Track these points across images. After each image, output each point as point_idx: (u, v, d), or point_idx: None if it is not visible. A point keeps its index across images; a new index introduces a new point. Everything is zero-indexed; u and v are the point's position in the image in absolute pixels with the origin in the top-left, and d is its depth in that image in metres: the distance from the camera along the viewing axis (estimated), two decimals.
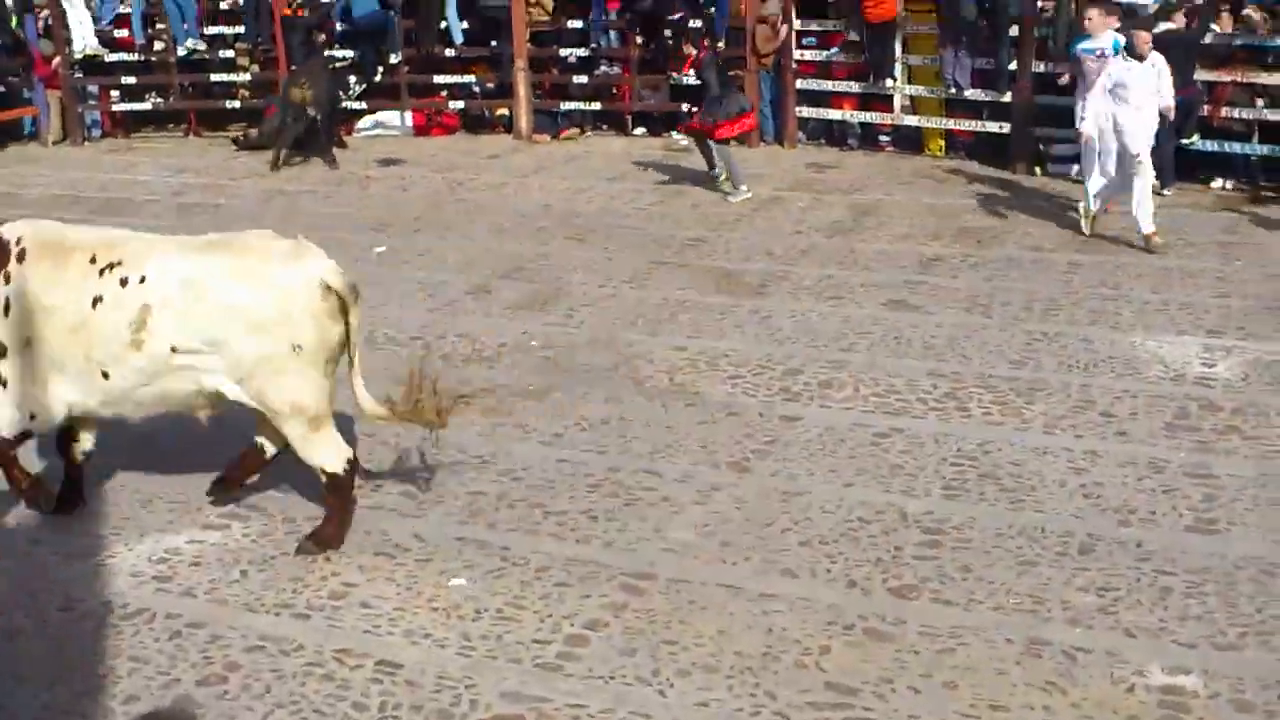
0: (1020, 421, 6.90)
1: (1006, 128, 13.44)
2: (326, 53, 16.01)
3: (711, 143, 12.64)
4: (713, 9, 15.10)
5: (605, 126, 16.61)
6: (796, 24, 14.91)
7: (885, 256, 10.35)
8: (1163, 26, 11.46)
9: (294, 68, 15.72)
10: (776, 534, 5.77)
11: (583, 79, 16.21)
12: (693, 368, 7.90)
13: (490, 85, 16.62)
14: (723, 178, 12.71)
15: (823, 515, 5.92)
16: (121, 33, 17.10)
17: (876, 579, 5.37)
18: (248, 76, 17.07)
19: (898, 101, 14.50)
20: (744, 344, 8.32)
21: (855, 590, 5.30)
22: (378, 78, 16.21)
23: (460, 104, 16.82)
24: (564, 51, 16.28)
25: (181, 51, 16.64)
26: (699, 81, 12.99)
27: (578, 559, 5.59)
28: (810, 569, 5.46)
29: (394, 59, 16.18)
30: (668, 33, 15.17)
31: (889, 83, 14.32)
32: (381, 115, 16.95)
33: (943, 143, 14.44)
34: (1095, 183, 10.48)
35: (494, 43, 15.96)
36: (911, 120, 14.45)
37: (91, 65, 17.07)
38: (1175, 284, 9.30)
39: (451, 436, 6.82)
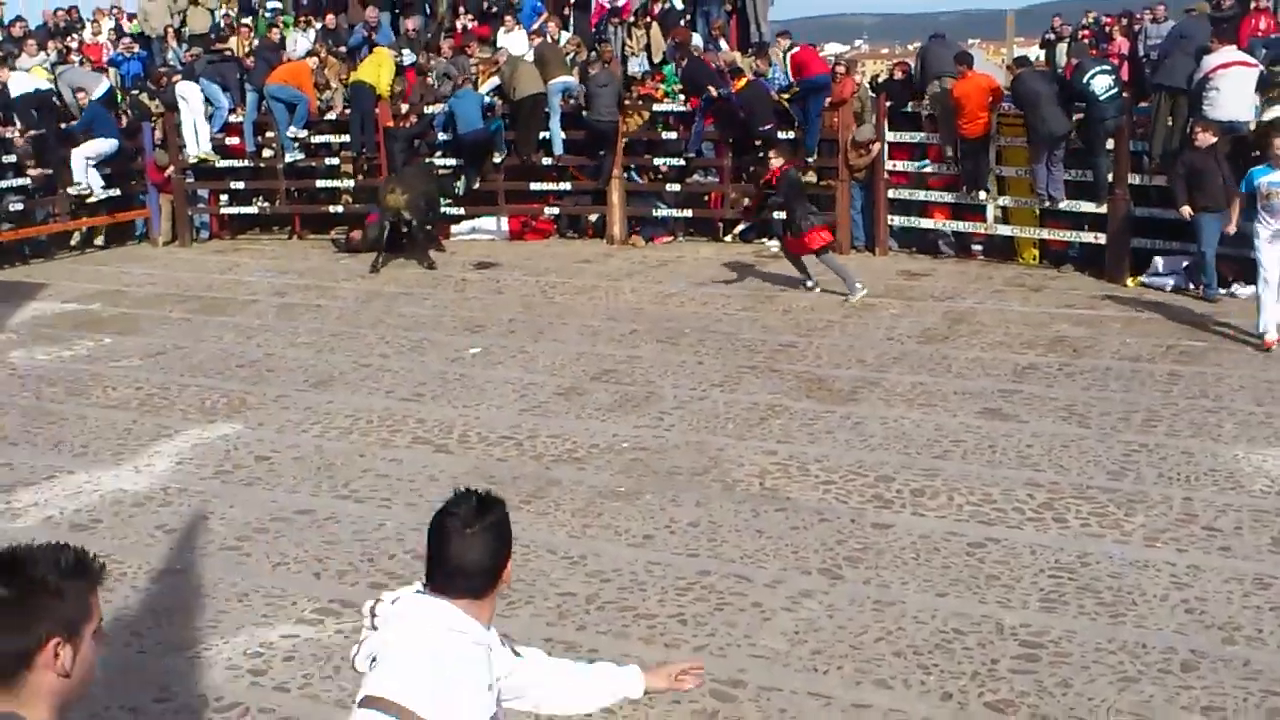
0: (1120, 534, 6.75)
1: (1102, 238, 13.38)
2: (428, 160, 16.52)
3: (813, 255, 12.95)
4: (802, 124, 15.34)
5: (695, 232, 16.84)
6: (890, 136, 15.04)
7: (979, 364, 10.27)
8: None
9: (390, 174, 16.22)
10: (869, 643, 5.67)
11: (676, 187, 16.47)
12: (783, 473, 7.86)
13: (586, 192, 16.95)
14: (815, 287, 13.08)
15: (916, 625, 5.81)
16: (232, 140, 17.77)
17: (973, 692, 5.24)
18: (351, 183, 17.60)
19: (990, 211, 14.50)
20: (835, 450, 8.27)
21: (951, 703, 5.17)
22: (477, 185, 16.64)
23: (555, 210, 17.16)
24: (659, 161, 16.58)
25: (289, 158, 17.24)
26: (774, 193, 13.30)
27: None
28: (904, 680, 5.35)
29: (497, 158, 16.62)
30: (758, 144, 15.41)
31: (982, 195, 14.35)
32: (478, 220, 17.36)
33: (1036, 252, 14.39)
34: (1273, 312, 10.27)
35: (601, 152, 16.30)
36: (1005, 230, 14.42)
37: (202, 170, 17.77)
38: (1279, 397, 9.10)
39: (542, 537, 6.89)
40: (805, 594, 6.17)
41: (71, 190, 16.69)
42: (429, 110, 16.82)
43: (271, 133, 17.53)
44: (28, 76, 16.83)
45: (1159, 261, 12.95)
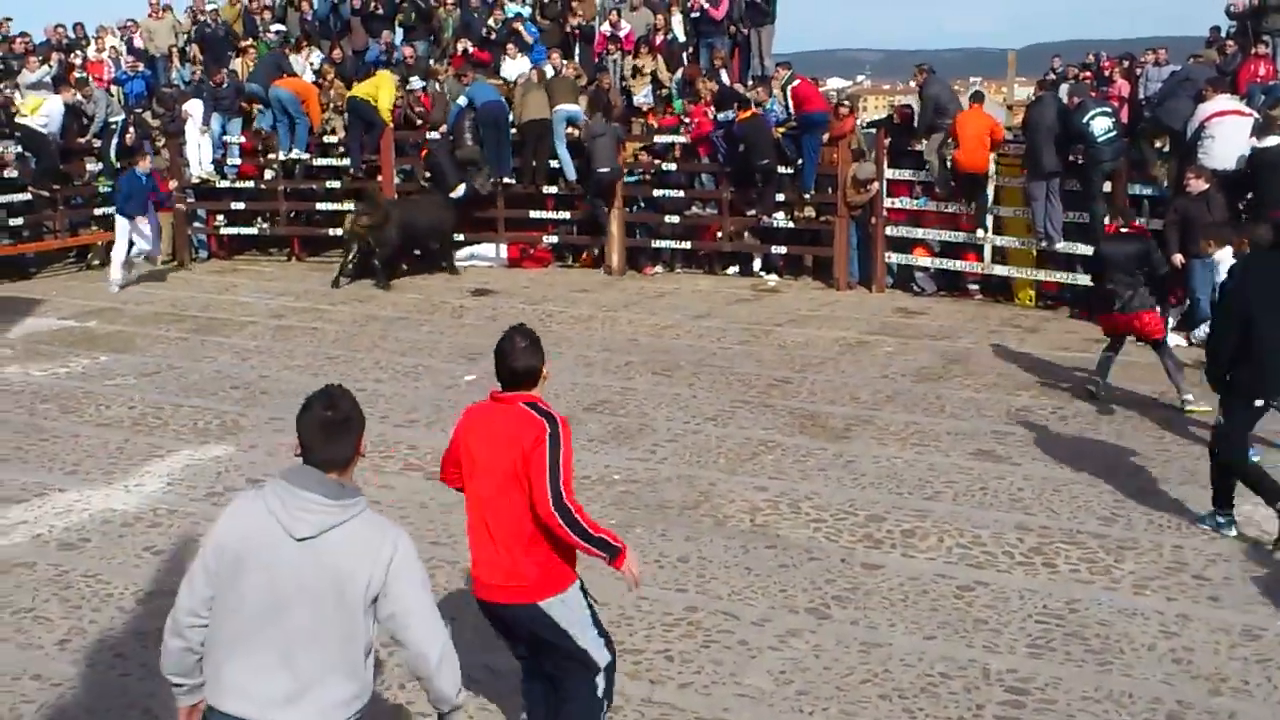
0: (1109, 580, 6.74)
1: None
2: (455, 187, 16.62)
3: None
4: (799, 160, 15.42)
5: (694, 265, 16.89)
6: (889, 173, 15.11)
7: (973, 405, 10.28)
8: None
9: (366, 198, 16.31)
10: (855, 684, 5.66)
11: (674, 219, 16.52)
12: (774, 509, 7.85)
13: (586, 222, 17.01)
14: (1102, 393, 10.43)
15: (903, 668, 5.79)
16: (233, 160, 17.84)
17: None
18: (350, 205, 17.63)
19: (988, 251, 14.55)
20: (826, 488, 8.27)
21: None
22: (500, 177, 16.76)
23: (554, 238, 17.21)
24: (658, 192, 16.63)
25: (282, 155, 17.31)
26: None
27: (651, 700, 5.53)
28: None
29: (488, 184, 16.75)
30: (757, 177, 15.48)
31: (979, 233, 14.41)
32: (477, 247, 17.41)
33: (1032, 292, 14.44)
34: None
35: (600, 200, 16.33)
36: (1001, 270, 14.48)
37: (201, 190, 17.83)
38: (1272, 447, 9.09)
39: None
40: (793, 633, 6.16)
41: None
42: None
43: (272, 154, 17.61)
44: (48, 102, 16.85)
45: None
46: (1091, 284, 11.05)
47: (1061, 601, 6.46)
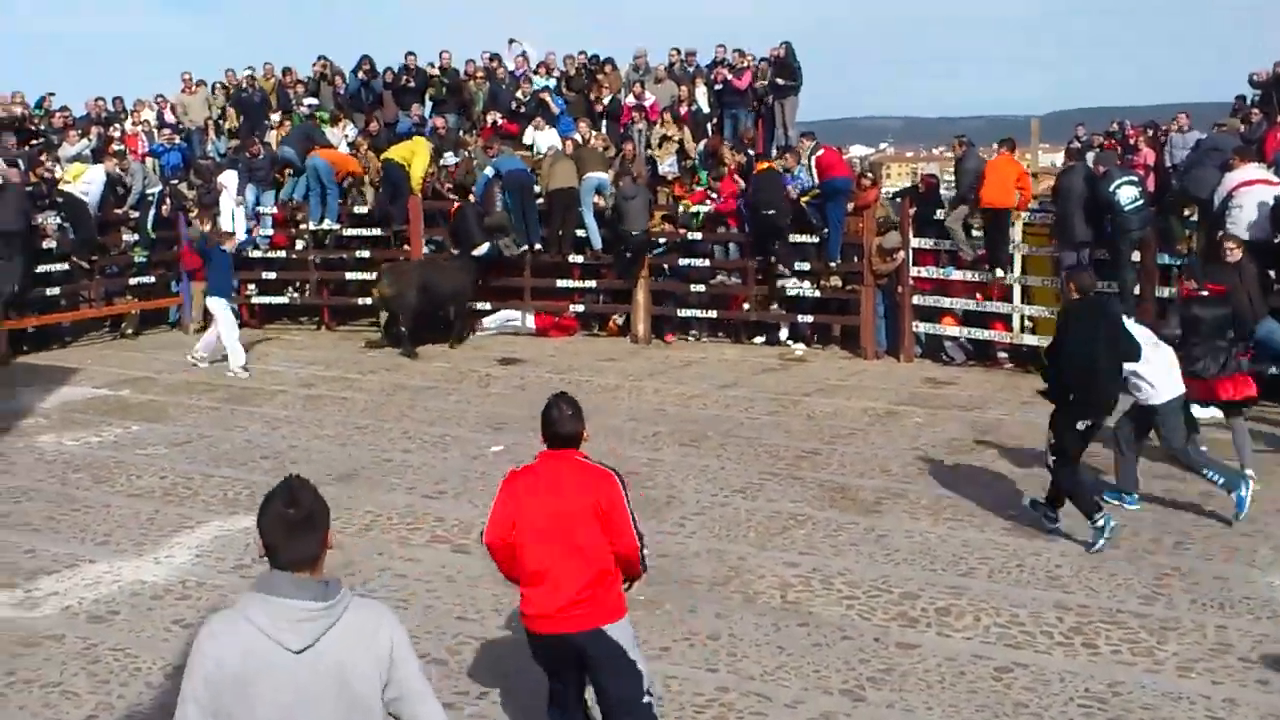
0: (1153, 662, 6.60)
1: None
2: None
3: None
4: (824, 228, 15.48)
5: (722, 334, 16.90)
6: (914, 242, 15.12)
7: (1006, 478, 10.17)
8: None
9: (385, 267, 16.45)
10: None
11: (700, 288, 16.56)
12: (806, 586, 7.76)
13: (612, 291, 17.09)
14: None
15: None
16: (265, 230, 18.05)
17: None
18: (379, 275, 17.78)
19: (1016, 320, 14.51)
20: (859, 563, 8.17)
21: None
22: (533, 243, 16.89)
23: (581, 307, 17.26)
24: (684, 261, 16.68)
25: (313, 225, 17.46)
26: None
27: None
28: None
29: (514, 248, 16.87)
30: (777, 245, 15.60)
31: (999, 271, 14.42)
32: (504, 314, 17.50)
33: None
34: None
35: (629, 254, 16.42)
36: (1031, 339, 14.42)
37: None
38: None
39: None
40: (827, 716, 6.06)
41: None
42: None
43: (304, 224, 17.80)
44: (91, 170, 17.11)
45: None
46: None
47: (1104, 684, 6.32)
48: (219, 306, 15.01)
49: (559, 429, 5.19)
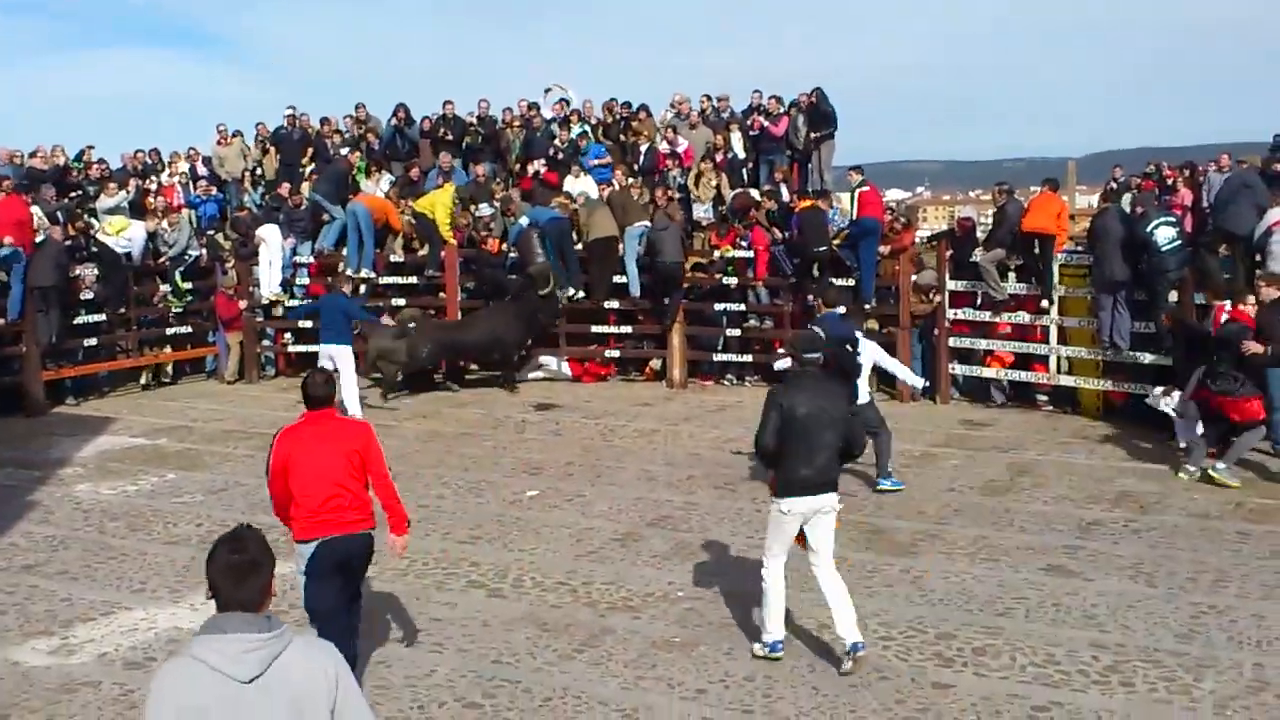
0: (1189, 700, 6.51)
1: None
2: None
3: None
4: (857, 268, 15.51)
5: (758, 377, 16.88)
6: (950, 285, 15.10)
7: (1042, 518, 10.09)
8: None
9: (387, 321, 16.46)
10: None
11: (735, 331, 16.60)
12: None
13: (648, 336, 17.17)
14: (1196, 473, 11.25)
15: None
16: (302, 280, 18.26)
17: None
18: (412, 325, 17.89)
19: (1054, 361, 14.43)
20: (895, 605, 8.11)
21: None
22: (577, 284, 17.04)
23: (617, 353, 17.33)
24: (719, 305, 16.73)
25: (349, 272, 17.67)
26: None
27: None
28: None
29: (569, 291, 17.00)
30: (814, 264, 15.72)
31: (1044, 303, 14.37)
32: (541, 359, 17.59)
33: (1099, 403, 14.24)
34: None
35: (665, 299, 16.53)
36: (1067, 380, 14.33)
37: (270, 309, 18.23)
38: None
39: (593, 688, 6.79)
40: None
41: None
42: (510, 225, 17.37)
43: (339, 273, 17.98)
44: (133, 226, 17.44)
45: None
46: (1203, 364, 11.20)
47: None
48: (340, 355, 14.27)
49: (314, 393, 6.51)
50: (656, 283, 16.59)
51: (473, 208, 18.01)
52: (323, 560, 6.40)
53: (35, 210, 16.68)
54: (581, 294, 16.99)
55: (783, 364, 10.62)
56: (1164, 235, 13.01)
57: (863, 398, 10.85)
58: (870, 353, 11.26)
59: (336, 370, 13.79)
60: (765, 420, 7.16)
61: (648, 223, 16.69)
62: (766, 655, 7.17)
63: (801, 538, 7.21)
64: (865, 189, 16.07)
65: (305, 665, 3.44)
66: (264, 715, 3.34)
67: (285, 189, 18.70)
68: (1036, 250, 14.46)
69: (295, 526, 6.51)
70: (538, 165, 18.89)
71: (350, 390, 14.30)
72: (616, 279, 16.94)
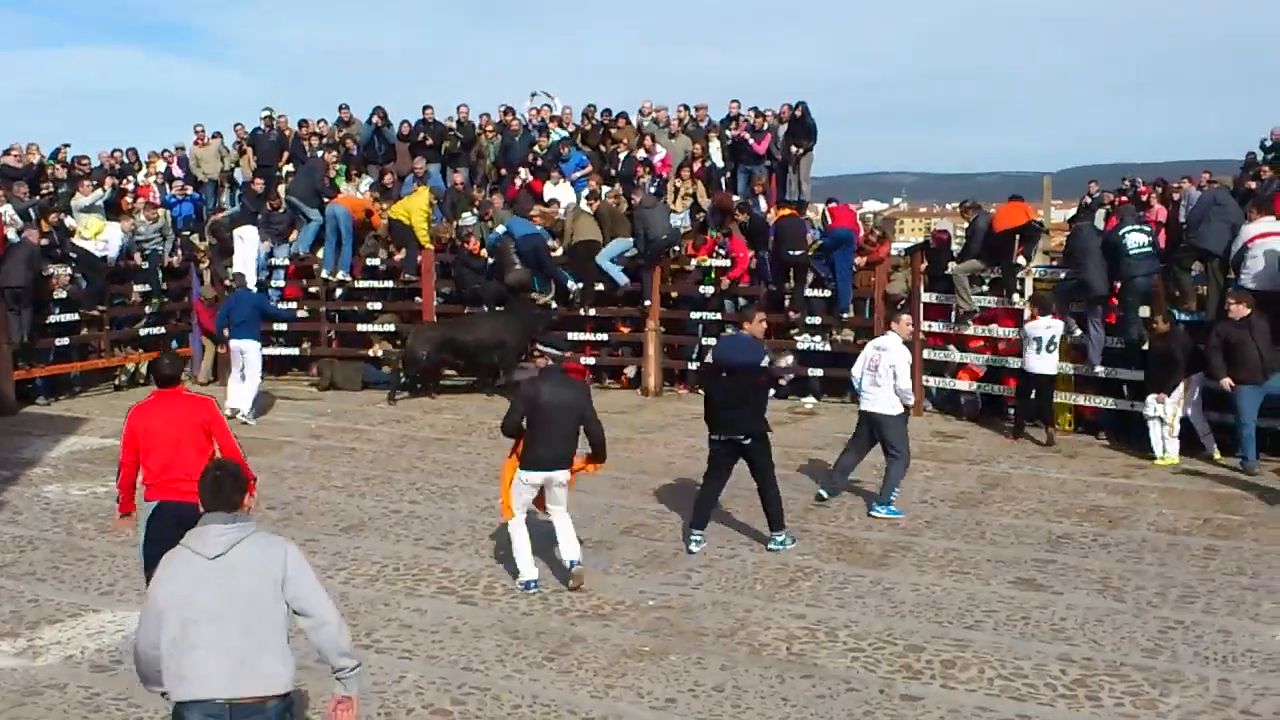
0: (1155, 715, 6.55)
1: (1138, 405, 13.29)
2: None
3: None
4: (832, 280, 15.58)
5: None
6: (924, 297, 15.16)
7: (1012, 532, 10.14)
8: None
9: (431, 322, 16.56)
10: None
11: (711, 340, 16.59)
12: (811, 637, 7.72)
13: (625, 344, 17.19)
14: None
15: None
16: (278, 283, 18.19)
17: None
18: (391, 328, 17.89)
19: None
20: (865, 616, 8.14)
21: None
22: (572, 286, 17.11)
23: (591, 359, 17.32)
24: (695, 314, 16.75)
25: (325, 274, 17.62)
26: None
27: None
28: None
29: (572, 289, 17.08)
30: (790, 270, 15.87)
31: (1015, 298, 14.49)
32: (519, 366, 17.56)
33: (1071, 416, 14.31)
34: None
35: (654, 240, 16.58)
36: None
37: None
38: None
39: (563, 696, 6.79)
40: None
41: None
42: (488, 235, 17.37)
43: (314, 276, 17.94)
44: (109, 228, 17.34)
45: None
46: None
47: None
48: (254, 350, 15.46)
49: (165, 371, 7.50)
50: (647, 263, 16.58)
51: (456, 220, 17.95)
52: (164, 519, 6.99)
53: (7, 209, 16.55)
54: (579, 287, 16.95)
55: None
56: (1134, 240, 13.11)
57: (894, 409, 10.53)
58: (892, 358, 10.51)
59: (244, 368, 15.12)
60: (513, 407, 8.62)
61: (629, 241, 16.70)
62: (524, 591, 8.59)
63: (540, 501, 8.81)
64: (834, 204, 16.42)
65: (262, 549, 4.50)
66: (229, 586, 4.38)
67: (259, 185, 18.60)
68: (1018, 247, 14.58)
69: (145, 489, 7.28)
70: (525, 175, 18.84)
71: (252, 387, 15.26)
72: (597, 287, 16.93)
